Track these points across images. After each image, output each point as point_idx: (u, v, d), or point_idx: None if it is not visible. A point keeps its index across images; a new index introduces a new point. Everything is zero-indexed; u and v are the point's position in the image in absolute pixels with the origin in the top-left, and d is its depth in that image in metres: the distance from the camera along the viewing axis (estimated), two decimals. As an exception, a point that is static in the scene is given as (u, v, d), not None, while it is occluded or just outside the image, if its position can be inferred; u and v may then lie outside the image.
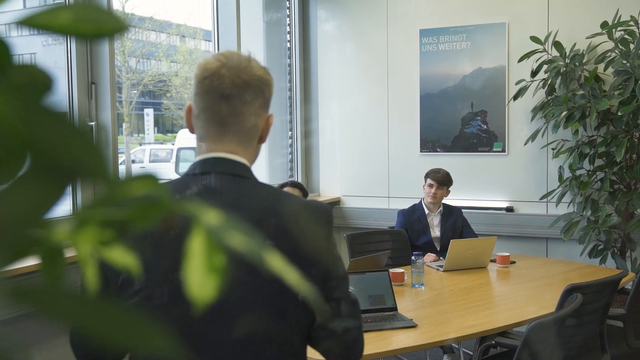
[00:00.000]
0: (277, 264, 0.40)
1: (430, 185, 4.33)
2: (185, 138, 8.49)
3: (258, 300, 1.24)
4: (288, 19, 5.50)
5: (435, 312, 3.22)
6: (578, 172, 4.39)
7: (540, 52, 4.49)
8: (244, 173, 1.30)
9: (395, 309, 3.05)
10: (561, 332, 2.70)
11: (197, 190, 1.25)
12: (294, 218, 1.28)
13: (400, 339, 2.78)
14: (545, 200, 4.70)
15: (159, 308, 1.22)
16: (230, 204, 1.24)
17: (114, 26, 0.49)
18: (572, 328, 2.92)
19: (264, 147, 5.40)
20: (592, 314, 3.03)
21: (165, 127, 17.95)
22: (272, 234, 1.24)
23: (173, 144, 11.97)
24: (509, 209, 4.88)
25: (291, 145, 5.57)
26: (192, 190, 1.25)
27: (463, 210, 4.58)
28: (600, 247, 4.36)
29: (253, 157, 1.37)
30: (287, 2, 5.48)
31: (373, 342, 2.71)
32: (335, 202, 5.51)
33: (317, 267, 1.28)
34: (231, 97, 1.28)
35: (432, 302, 3.40)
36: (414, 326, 2.86)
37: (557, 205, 4.56)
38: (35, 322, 2.82)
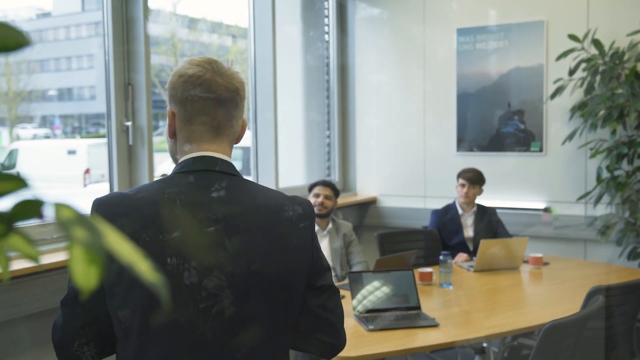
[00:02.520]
0: (126, 253, 0.45)
1: (462, 185, 4.32)
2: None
3: (257, 298, 1.30)
4: (326, 19, 5.55)
5: (460, 311, 3.22)
6: (616, 173, 4.30)
7: (579, 50, 4.41)
8: (234, 171, 1.38)
9: (418, 307, 3.06)
10: (584, 334, 2.67)
11: (203, 184, 1.33)
12: (282, 212, 1.35)
13: (420, 338, 2.79)
14: (583, 201, 4.62)
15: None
16: (230, 200, 1.32)
17: (18, 41, 0.56)
18: (597, 330, 2.88)
19: (301, 146, 5.41)
20: (620, 317, 2.98)
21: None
22: (261, 228, 1.32)
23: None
24: (547, 210, 4.81)
25: (328, 145, 5.62)
26: (196, 185, 1.32)
27: (500, 210, 4.54)
28: (639, 250, 4.26)
29: (231, 157, 1.46)
30: (326, 2, 5.53)
31: (392, 340, 2.73)
32: (372, 202, 5.53)
33: (302, 257, 1.37)
34: (226, 101, 1.37)
35: (458, 302, 3.39)
36: (435, 325, 2.87)
37: (594, 206, 4.47)
38: (39, 324, 2.92)
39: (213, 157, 1.36)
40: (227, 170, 1.36)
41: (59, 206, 0.45)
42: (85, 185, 7.53)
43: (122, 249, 0.46)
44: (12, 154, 7.57)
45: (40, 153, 8.20)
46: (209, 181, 1.33)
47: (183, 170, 1.35)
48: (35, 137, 9.18)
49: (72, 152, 8.29)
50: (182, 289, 1.26)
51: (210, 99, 1.35)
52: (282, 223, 1.34)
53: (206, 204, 1.30)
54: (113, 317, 1.30)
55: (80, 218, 0.45)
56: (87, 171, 7.61)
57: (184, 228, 1.27)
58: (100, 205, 1.32)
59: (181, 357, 1.27)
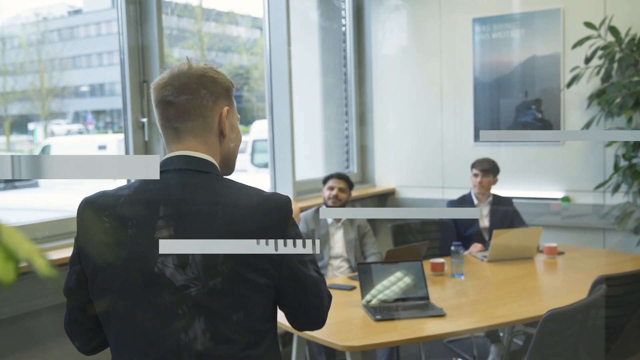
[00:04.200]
0: (23, 250, 0.51)
1: (476, 175, 4.32)
2: (260, 130, 8.73)
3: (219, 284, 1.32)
4: (343, 12, 5.57)
5: (469, 302, 3.24)
6: (633, 161, 4.26)
7: (595, 37, 4.36)
8: (200, 167, 1.39)
9: (427, 298, 3.10)
10: (589, 323, 2.67)
11: (154, 187, 1.38)
12: (246, 210, 1.35)
13: (427, 327, 2.83)
14: (601, 190, 4.58)
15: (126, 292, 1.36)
16: (179, 198, 1.35)
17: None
18: (604, 320, 2.88)
19: (320, 139, 5.37)
20: (628, 306, 2.96)
21: (247, 119, 18.59)
22: (220, 224, 1.32)
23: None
24: (564, 200, 4.78)
25: (347, 137, 5.66)
26: (151, 187, 1.38)
27: (518, 200, 4.53)
28: (657, 238, 4.22)
29: (218, 152, 1.44)
30: (343, -5, 5.55)
31: (399, 330, 2.78)
32: (391, 193, 5.56)
33: (268, 256, 1.35)
34: (174, 101, 1.39)
35: (469, 292, 3.41)
36: (442, 315, 2.90)
37: (612, 195, 4.43)
38: (39, 321, 3.00)
39: (183, 156, 1.39)
40: (190, 167, 1.38)
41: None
42: (114, 180, 7.68)
43: (20, 247, 0.51)
44: (44, 150, 7.78)
45: (72, 148, 8.39)
46: (172, 181, 1.37)
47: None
48: (68, 132, 9.37)
49: (102, 147, 8.47)
50: (147, 280, 1.33)
51: (161, 103, 1.40)
52: (240, 223, 1.33)
53: (160, 203, 1.35)
54: (97, 309, 1.39)
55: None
56: (117, 165, 7.76)
57: (127, 228, 1.34)
58: (86, 204, 1.41)
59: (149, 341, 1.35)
